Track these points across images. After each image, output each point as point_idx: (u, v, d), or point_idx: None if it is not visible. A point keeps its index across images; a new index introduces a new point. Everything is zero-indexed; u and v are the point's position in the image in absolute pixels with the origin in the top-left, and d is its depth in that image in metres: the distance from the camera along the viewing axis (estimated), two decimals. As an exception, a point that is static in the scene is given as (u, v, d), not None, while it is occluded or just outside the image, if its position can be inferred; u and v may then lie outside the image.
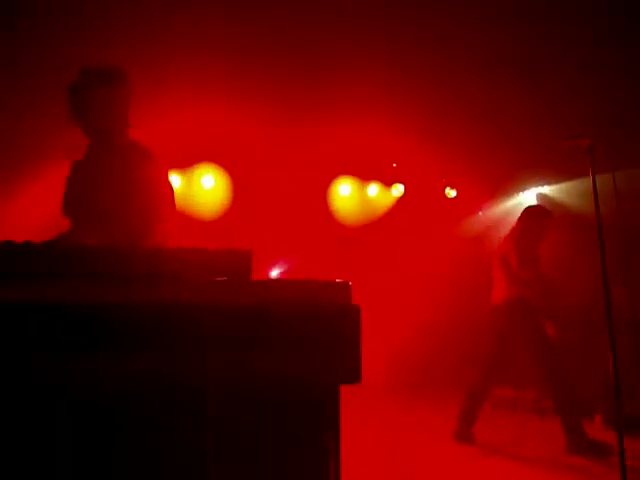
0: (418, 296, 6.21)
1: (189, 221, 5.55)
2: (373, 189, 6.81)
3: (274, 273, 5.92)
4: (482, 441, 3.77)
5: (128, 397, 0.97)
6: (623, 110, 4.03)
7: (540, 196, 6.61)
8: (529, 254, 3.78)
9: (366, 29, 3.97)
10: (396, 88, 4.65)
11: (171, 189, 2.00)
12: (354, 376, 1.11)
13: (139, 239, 1.85)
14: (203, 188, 6.01)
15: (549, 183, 6.57)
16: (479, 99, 4.83)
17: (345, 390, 1.14)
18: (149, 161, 1.97)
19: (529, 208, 4.04)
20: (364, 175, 6.68)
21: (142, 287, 1.03)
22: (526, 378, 4.69)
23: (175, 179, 5.89)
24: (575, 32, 3.54)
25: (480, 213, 7.03)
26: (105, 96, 1.91)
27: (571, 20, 3.42)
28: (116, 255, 1.07)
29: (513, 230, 3.93)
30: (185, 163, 5.92)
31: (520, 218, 3.94)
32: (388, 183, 6.84)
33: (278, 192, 6.10)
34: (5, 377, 0.92)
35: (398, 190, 6.84)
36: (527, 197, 6.74)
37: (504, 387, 4.84)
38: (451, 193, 6.94)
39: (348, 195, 6.66)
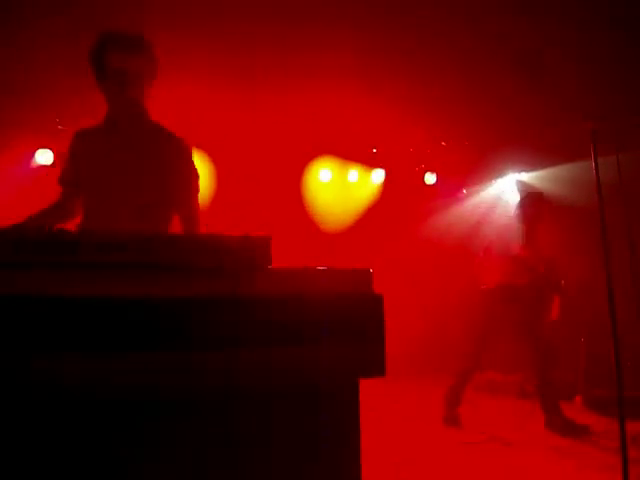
0: (406, 285, 6.21)
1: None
2: (354, 175, 6.75)
3: None
4: (470, 425, 3.82)
5: (144, 397, 0.89)
6: (610, 96, 4.05)
7: (519, 183, 6.66)
8: (530, 238, 3.82)
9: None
10: (374, 66, 4.53)
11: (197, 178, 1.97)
12: (378, 369, 1.05)
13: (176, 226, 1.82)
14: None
15: (526, 170, 6.62)
16: (459, 79, 4.77)
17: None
18: (183, 152, 1.93)
19: (528, 194, 4.08)
20: (345, 154, 6.55)
21: (150, 279, 0.94)
22: (511, 362, 4.76)
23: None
24: (567, 11, 3.52)
25: (464, 191, 7.05)
26: (130, 65, 1.76)
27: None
28: (122, 242, 0.98)
29: (514, 216, 3.96)
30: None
31: (519, 204, 3.99)
32: (369, 164, 6.76)
33: (258, 179, 5.95)
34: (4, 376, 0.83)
35: (379, 175, 6.80)
36: (505, 184, 6.79)
37: (490, 371, 4.91)
38: (430, 179, 6.95)
39: (328, 181, 6.59)
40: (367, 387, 1.16)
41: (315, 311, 1.00)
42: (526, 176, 6.66)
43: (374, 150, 6.49)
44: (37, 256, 0.89)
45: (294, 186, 6.39)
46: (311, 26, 4.04)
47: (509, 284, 3.79)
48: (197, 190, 1.93)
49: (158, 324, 0.88)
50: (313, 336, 0.99)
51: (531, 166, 6.47)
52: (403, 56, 4.47)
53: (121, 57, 1.75)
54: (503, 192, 6.77)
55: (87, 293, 0.89)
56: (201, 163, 5.80)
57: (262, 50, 4.27)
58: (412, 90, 4.92)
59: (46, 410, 0.87)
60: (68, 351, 0.88)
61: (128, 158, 1.84)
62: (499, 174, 6.83)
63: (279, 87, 4.78)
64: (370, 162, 6.74)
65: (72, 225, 1.93)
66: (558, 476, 2.83)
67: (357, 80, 4.67)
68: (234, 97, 4.88)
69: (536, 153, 5.77)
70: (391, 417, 4.11)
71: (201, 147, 5.70)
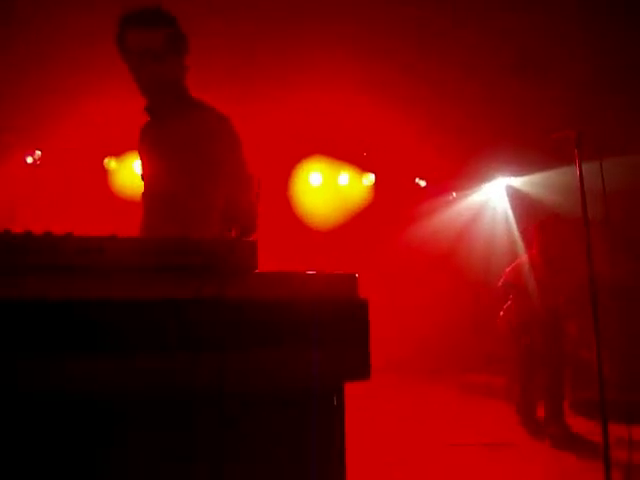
0: (399, 286, 6.23)
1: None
2: (344, 178, 6.77)
3: None
4: (461, 426, 3.86)
5: (134, 399, 0.90)
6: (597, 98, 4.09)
7: (509, 188, 6.71)
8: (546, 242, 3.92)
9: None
10: (369, 70, 4.53)
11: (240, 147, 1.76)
12: (363, 373, 1.06)
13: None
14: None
15: (516, 175, 6.66)
16: (451, 81, 4.79)
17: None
18: (226, 134, 1.71)
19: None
20: (336, 157, 6.55)
21: (139, 282, 0.94)
22: (500, 364, 4.79)
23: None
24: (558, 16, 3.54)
25: (454, 194, 7.09)
26: (148, 42, 1.60)
27: (555, 3, 3.43)
28: (105, 247, 0.99)
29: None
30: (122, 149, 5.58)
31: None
32: (360, 168, 6.78)
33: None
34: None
35: (369, 180, 6.84)
36: (494, 188, 6.84)
37: (482, 373, 4.93)
38: (421, 183, 7.00)
39: (319, 185, 6.61)
40: (362, 387, 1.18)
41: (300, 315, 1.01)
42: (515, 181, 6.72)
43: (364, 154, 6.52)
44: (33, 259, 0.90)
45: (284, 189, 6.41)
46: (309, 30, 4.03)
47: (510, 282, 3.92)
48: (242, 160, 1.75)
49: (145, 325, 0.89)
50: (298, 339, 1.00)
51: (520, 171, 6.52)
52: (400, 59, 4.47)
53: (138, 35, 1.61)
54: (491, 196, 6.83)
55: (82, 296, 0.89)
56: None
57: (259, 52, 4.24)
58: (404, 92, 4.93)
59: (42, 411, 0.88)
60: (65, 352, 0.88)
61: (162, 145, 1.70)
62: (488, 178, 6.88)
63: (274, 91, 4.79)
64: (361, 165, 6.77)
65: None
66: (543, 477, 2.86)
67: (350, 83, 4.68)
68: (227, 97, 4.85)
69: (525, 158, 5.81)
70: (384, 417, 4.13)
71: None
